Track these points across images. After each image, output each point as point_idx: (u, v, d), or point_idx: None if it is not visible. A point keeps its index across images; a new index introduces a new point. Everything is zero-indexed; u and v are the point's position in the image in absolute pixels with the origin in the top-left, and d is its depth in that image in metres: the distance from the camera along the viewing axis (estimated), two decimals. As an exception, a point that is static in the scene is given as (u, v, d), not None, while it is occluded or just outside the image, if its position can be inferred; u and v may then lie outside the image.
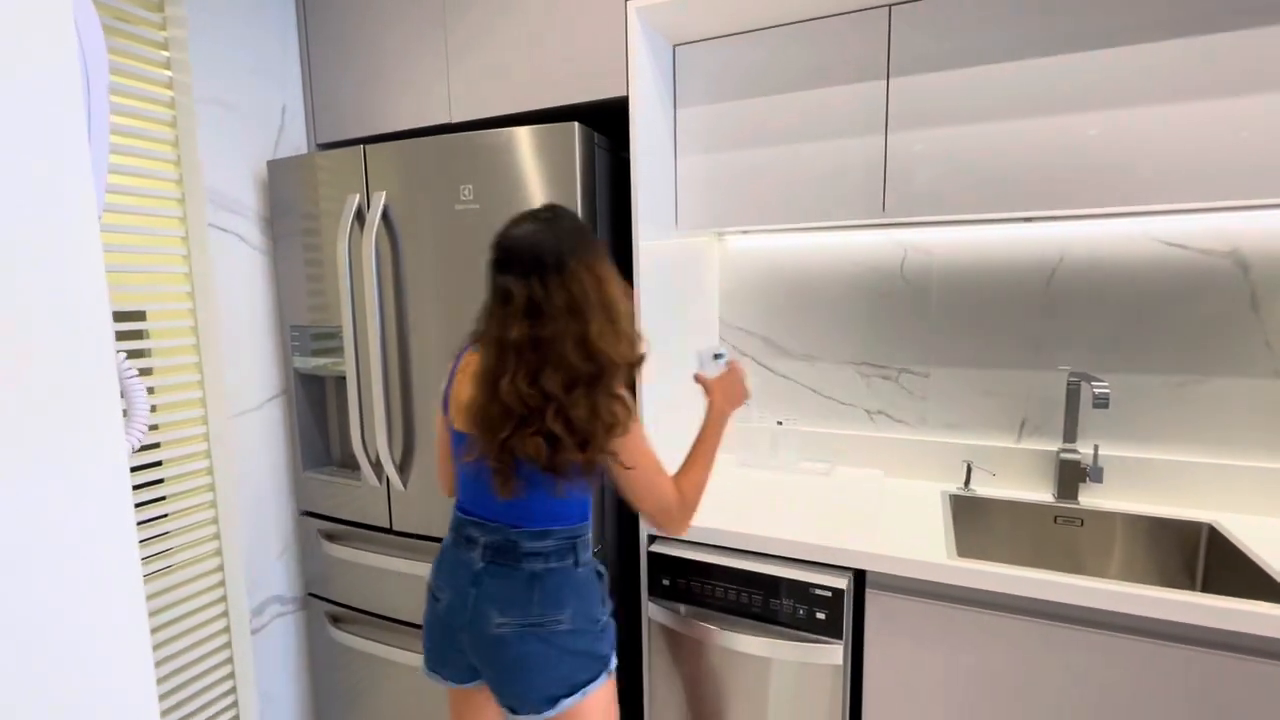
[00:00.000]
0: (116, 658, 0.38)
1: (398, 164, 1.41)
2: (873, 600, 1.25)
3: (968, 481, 1.61)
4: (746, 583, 1.30)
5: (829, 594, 1.22)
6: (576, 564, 1.07)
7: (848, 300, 1.75)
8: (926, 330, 1.68)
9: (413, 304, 1.44)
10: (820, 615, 1.23)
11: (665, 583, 1.38)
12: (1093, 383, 1.32)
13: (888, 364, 1.73)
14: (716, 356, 1.29)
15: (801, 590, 1.25)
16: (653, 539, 1.44)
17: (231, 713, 1.66)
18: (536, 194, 1.30)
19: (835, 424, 1.80)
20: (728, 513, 1.43)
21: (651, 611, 1.41)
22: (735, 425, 1.88)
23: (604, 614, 1.11)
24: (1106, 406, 1.29)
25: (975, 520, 1.53)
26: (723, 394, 1.23)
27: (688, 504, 1.11)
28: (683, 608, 1.37)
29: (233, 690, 1.65)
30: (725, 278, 1.89)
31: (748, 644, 1.29)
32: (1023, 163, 1.27)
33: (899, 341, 1.71)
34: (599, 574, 1.13)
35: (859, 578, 1.27)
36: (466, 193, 1.35)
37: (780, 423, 1.79)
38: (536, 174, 1.30)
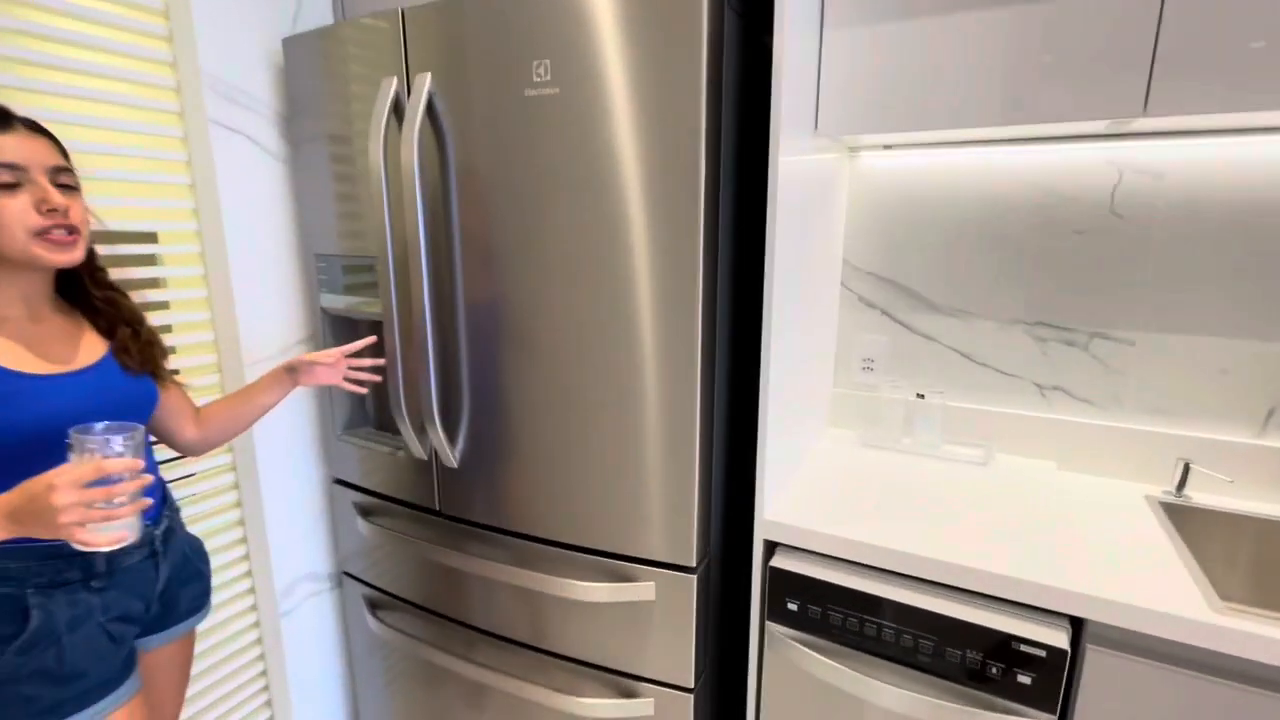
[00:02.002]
0: None
1: (447, 34, 1.04)
2: (1095, 661, 0.90)
3: (1182, 485, 1.22)
4: (909, 621, 0.96)
5: (1041, 652, 0.87)
6: None
7: (1024, 239, 1.33)
8: (1140, 282, 1.25)
9: (467, 225, 1.10)
10: (1024, 679, 0.89)
11: (792, 607, 1.05)
12: None
13: (1075, 325, 1.32)
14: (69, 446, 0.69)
15: (995, 641, 0.91)
16: (772, 548, 1.11)
17: (265, 710, 1.44)
18: (641, 70, 0.92)
19: (993, 399, 1.41)
20: (872, 516, 1.08)
21: (771, 640, 1.09)
22: (859, 393, 1.52)
23: None
24: None
25: (1203, 541, 1.15)
26: (15, 506, 0.69)
27: None
28: (812, 640, 1.05)
29: (263, 680, 1.43)
30: (853, 208, 1.48)
31: (906, 703, 0.96)
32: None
33: (1095, 296, 1.29)
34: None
35: (1074, 626, 0.92)
36: (541, 71, 0.97)
37: (921, 396, 1.41)
38: (641, 41, 0.91)
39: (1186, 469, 1.22)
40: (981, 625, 0.91)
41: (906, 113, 1.11)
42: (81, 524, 0.67)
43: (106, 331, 0.91)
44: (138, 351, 0.92)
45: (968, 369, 1.42)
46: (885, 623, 0.98)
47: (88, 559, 0.85)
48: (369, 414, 1.42)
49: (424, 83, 1.05)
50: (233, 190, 1.25)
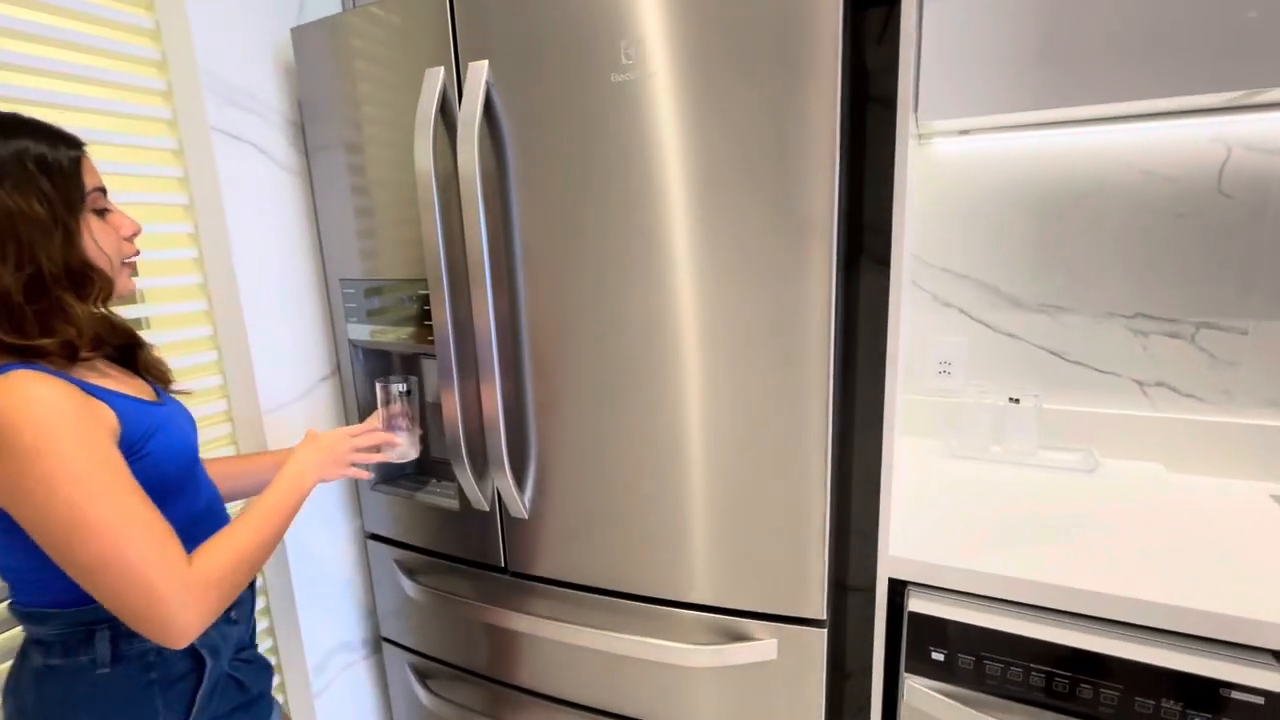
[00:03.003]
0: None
1: (508, 11, 0.88)
2: (1308, 702, 0.79)
3: (1310, 483, 1.13)
4: (1084, 669, 0.84)
5: (1258, 699, 0.76)
6: (96, 663, 0.72)
7: (1118, 226, 1.23)
8: (1252, 266, 1.16)
9: (530, 236, 0.94)
10: (1237, 731, 0.78)
11: (937, 657, 0.93)
12: None
13: (1179, 316, 1.23)
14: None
15: (1197, 687, 0.79)
16: (900, 588, 0.98)
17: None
18: (757, 45, 0.78)
19: (1088, 400, 1.31)
20: (1004, 542, 0.96)
21: (910, 696, 0.96)
22: (934, 399, 1.41)
23: None
24: None
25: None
26: (318, 446, 0.90)
27: (212, 580, 0.68)
28: (967, 694, 0.92)
29: (294, 770, 1.24)
30: (922, 199, 1.37)
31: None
32: None
33: (1200, 283, 1.20)
34: (159, 681, 0.74)
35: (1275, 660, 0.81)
36: (629, 53, 0.82)
37: (1016, 400, 1.30)
38: (757, 10, 0.77)
39: (1314, 465, 1.13)
40: (1177, 670, 0.80)
41: (1022, 91, 0.99)
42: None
43: (120, 360, 0.80)
44: (156, 366, 0.84)
45: (1059, 368, 1.32)
46: (1057, 671, 0.86)
47: None
48: (407, 458, 1.24)
49: (481, 73, 0.89)
50: (239, 210, 1.06)
